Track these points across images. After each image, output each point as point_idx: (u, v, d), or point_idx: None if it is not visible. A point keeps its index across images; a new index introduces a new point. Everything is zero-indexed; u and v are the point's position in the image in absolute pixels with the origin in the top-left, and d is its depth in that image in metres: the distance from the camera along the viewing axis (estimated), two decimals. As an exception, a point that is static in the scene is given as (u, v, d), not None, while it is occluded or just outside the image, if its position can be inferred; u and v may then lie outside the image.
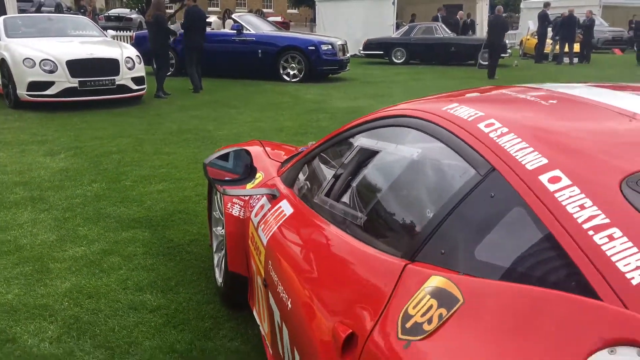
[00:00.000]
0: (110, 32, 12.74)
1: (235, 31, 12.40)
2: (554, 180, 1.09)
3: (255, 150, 2.67)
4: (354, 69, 14.43)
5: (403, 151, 1.59)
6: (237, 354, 2.36)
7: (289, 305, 1.60)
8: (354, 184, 1.68)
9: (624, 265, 0.89)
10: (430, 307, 1.09)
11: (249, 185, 2.31)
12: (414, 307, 1.12)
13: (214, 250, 2.95)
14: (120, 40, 13.76)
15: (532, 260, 1.05)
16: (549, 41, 19.20)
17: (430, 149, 1.49)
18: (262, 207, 2.16)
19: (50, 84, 8.07)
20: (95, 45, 8.86)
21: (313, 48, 12.24)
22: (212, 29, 13.06)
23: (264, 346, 2.07)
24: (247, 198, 2.39)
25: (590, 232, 0.96)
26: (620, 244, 0.93)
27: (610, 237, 0.94)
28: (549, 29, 18.80)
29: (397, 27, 20.47)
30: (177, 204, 4.23)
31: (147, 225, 3.80)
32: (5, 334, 2.47)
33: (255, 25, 12.94)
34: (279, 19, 37.29)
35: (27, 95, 8.08)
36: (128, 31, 19.19)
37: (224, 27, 13.51)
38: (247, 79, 12.16)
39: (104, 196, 4.41)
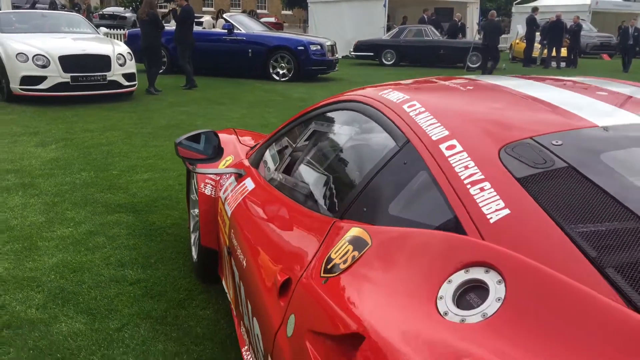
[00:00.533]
0: (103, 29, 12.90)
1: (226, 31, 12.62)
2: (450, 147, 1.34)
3: (228, 137, 2.91)
4: (344, 69, 14.69)
5: (344, 130, 1.84)
6: (207, 321, 2.59)
7: (244, 265, 1.84)
8: (303, 160, 1.93)
9: (487, 209, 1.14)
10: (347, 251, 1.33)
11: (221, 166, 2.55)
12: (335, 253, 1.36)
13: (191, 230, 3.19)
14: (114, 38, 13.95)
15: (426, 210, 1.30)
16: (537, 45, 19.53)
17: (366, 127, 1.74)
18: (230, 185, 2.40)
19: (42, 78, 8.26)
20: (88, 42, 9.06)
21: (302, 48, 12.48)
22: (204, 28, 13.29)
23: (230, 310, 2.30)
24: (218, 179, 2.63)
25: (468, 186, 1.21)
26: (488, 193, 1.17)
27: (482, 189, 1.18)
28: (537, 34, 19.13)
29: (388, 29, 20.76)
30: (160, 192, 4.46)
31: (131, 210, 4.03)
32: (-6, 302, 2.69)
33: (246, 25, 13.17)
34: (272, 19, 37.58)
35: (20, 89, 8.27)
36: (122, 29, 19.34)
37: (216, 27, 13.73)
38: (237, 78, 12.38)
39: (92, 184, 4.63)
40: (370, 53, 18.67)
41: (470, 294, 1.01)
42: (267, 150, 2.34)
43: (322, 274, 1.34)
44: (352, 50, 19.15)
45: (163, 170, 5.08)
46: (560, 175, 1.16)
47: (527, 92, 1.64)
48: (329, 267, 1.34)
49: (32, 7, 18.09)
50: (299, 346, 1.23)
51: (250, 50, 12.58)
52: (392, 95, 1.70)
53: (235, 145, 2.79)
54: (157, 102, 9.10)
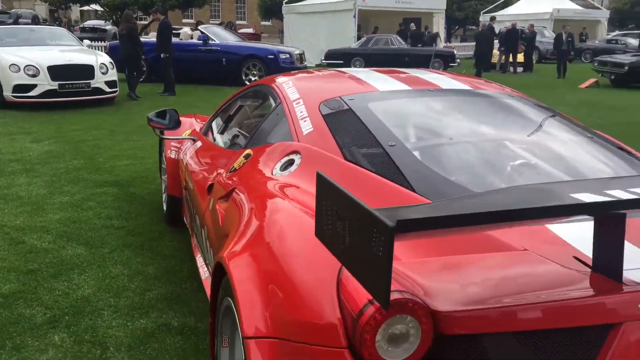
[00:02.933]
0: (86, 41, 13.89)
1: (201, 41, 13.67)
2: (298, 103, 2.40)
3: (188, 118, 3.98)
4: (312, 76, 15.77)
5: (253, 101, 2.90)
6: (172, 248, 3.61)
7: (192, 187, 2.88)
8: (229, 121, 2.99)
9: (304, 129, 2.19)
10: (241, 161, 2.38)
11: (185, 134, 3.61)
12: (235, 163, 2.41)
13: (163, 191, 4.21)
14: (96, 50, 14.92)
15: (282, 134, 2.35)
16: (496, 52, 20.86)
17: (264, 97, 2.81)
18: (187, 148, 3.44)
19: (33, 86, 9.23)
20: (73, 53, 10.05)
21: (272, 57, 13.56)
22: (181, 39, 14.32)
23: (191, 238, 3.33)
24: (179, 146, 3.67)
25: (299, 120, 2.26)
26: (306, 122, 2.23)
27: (304, 120, 2.24)
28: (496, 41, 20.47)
29: (358, 38, 21.97)
30: (139, 172, 5.47)
31: (116, 185, 5.04)
32: (17, 240, 3.69)
33: (220, 36, 14.23)
34: (251, 30, 38.69)
35: (13, 96, 9.21)
36: (103, 41, 20.26)
37: (193, 38, 14.76)
38: (212, 85, 13.40)
39: (82, 168, 5.62)
40: (340, 61, 19.81)
41: (287, 164, 2.06)
42: (211, 122, 3.39)
43: (225, 174, 2.39)
44: (323, 58, 20.29)
45: (142, 158, 6.09)
46: (344, 113, 2.22)
47: (357, 76, 2.71)
48: (230, 170, 2.39)
49: (15, 22, 18.95)
50: (213, 209, 2.28)
51: (224, 59, 13.63)
52: (280, 79, 2.77)
53: (193, 123, 3.84)
54: (137, 106, 10.09)
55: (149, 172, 5.48)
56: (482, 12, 31.18)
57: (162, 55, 11.61)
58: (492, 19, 21.11)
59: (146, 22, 25.39)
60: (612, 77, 15.02)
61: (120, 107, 9.97)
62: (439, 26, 24.41)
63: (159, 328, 2.66)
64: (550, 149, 2.12)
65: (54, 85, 9.32)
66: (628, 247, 1.38)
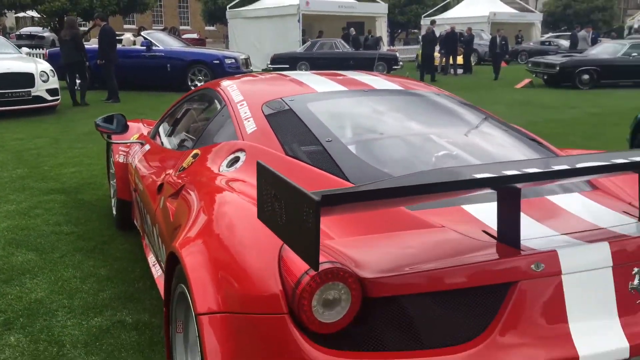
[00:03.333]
0: (25, 49, 13.54)
1: (145, 47, 13.57)
2: (242, 105, 2.56)
3: (136, 123, 4.06)
4: (259, 80, 15.88)
5: (200, 105, 3.04)
6: (124, 250, 3.68)
7: (141, 189, 2.99)
8: (176, 123, 3.11)
9: (247, 128, 2.35)
10: (189, 160, 2.51)
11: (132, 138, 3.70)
12: (184, 163, 2.54)
13: (112, 196, 4.27)
14: (35, 57, 14.55)
15: (227, 134, 2.50)
16: (437, 55, 21.56)
17: (210, 100, 2.94)
18: (135, 152, 3.54)
19: (-31, 95, 8.96)
20: (12, 61, 9.81)
21: (218, 62, 13.61)
22: (123, 46, 14.15)
23: (142, 239, 3.42)
24: (128, 150, 3.75)
25: (244, 121, 2.42)
26: (250, 123, 2.39)
27: (248, 121, 2.40)
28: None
29: (303, 42, 22.22)
30: (87, 179, 5.47)
31: (63, 192, 5.03)
32: (-37, 249, 3.68)
33: (164, 42, 14.16)
34: (195, 36, 38.35)
35: (-52, 106, 8.92)
36: (40, 49, 19.70)
37: (136, 44, 14.61)
38: (157, 91, 13.32)
39: (27, 176, 5.57)
40: (286, 65, 19.99)
41: (233, 161, 2.22)
42: (159, 126, 3.50)
43: (175, 174, 2.52)
44: (269, 62, 20.43)
45: (88, 165, 6.08)
46: (285, 113, 2.40)
47: (297, 78, 2.89)
48: (179, 169, 2.52)
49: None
50: (164, 206, 2.41)
51: (168, 65, 13.57)
52: (224, 82, 2.92)
53: (140, 128, 3.93)
54: (80, 113, 9.96)
55: (96, 179, 5.49)
56: (423, 16, 32.06)
57: (98, 62, 11.53)
58: (432, 22, 21.77)
59: (86, 29, 24.84)
60: (545, 77, 15.81)
61: (62, 115, 9.81)
62: (381, 30, 24.98)
63: (113, 325, 2.75)
64: (470, 141, 2.36)
65: (-8, 94, 9.09)
66: (527, 220, 1.62)
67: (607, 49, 15.93)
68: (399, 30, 37.58)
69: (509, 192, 1.44)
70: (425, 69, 18.58)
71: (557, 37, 31.10)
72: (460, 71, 20.83)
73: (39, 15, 23.68)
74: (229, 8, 24.73)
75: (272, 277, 1.40)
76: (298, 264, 1.35)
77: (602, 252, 1.47)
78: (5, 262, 3.46)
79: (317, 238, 1.09)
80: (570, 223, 1.69)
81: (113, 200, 4.22)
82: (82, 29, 22.94)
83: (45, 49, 18.86)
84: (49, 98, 9.82)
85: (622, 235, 1.56)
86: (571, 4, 40.93)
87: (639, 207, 1.74)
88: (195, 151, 2.57)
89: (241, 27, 23.65)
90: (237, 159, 2.22)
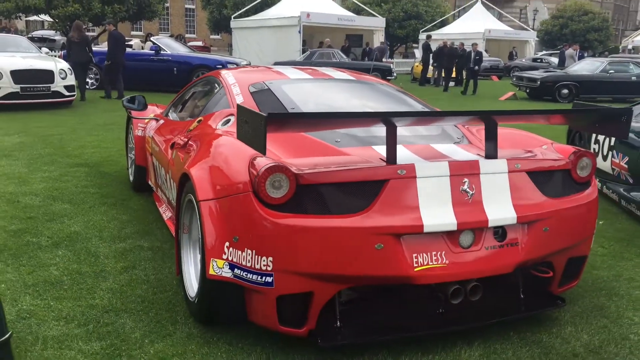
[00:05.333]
0: (44, 49, 14.61)
1: (153, 51, 14.62)
2: (234, 85, 3.53)
3: (152, 107, 5.04)
4: (259, 86, 16.92)
5: (204, 88, 4.02)
6: (140, 204, 4.63)
7: (157, 150, 3.96)
8: (185, 105, 4.10)
9: (237, 100, 3.32)
10: (194, 125, 3.48)
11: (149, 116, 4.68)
12: (189, 130, 3.51)
13: (129, 166, 5.24)
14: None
15: (223, 104, 3.46)
16: (431, 68, 22.61)
17: (212, 85, 3.92)
18: (151, 126, 4.51)
19: (-4, 89, 9.98)
20: (34, 59, 10.83)
21: (220, 67, 14.62)
22: (134, 49, 15.21)
23: (155, 198, 4.39)
24: (145, 126, 4.72)
25: (235, 97, 3.39)
26: (240, 97, 3.36)
27: (238, 96, 3.38)
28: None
29: (303, 52, 23.31)
30: (106, 158, 6.45)
31: (86, 166, 6.00)
32: (13, 200, 4.63)
33: (172, 47, 15.22)
34: (200, 43, 39.53)
35: (-24, 97, 9.92)
36: (53, 51, 20.78)
37: (144, 49, 15.66)
38: (165, 92, 14.31)
39: (54, 154, 6.54)
40: (285, 73, 21.05)
41: (226, 122, 3.18)
42: (170, 107, 4.49)
43: (184, 134, 3.49)
44: (270, 70, 21.48)
45: (106, 148, 7.05)
46: (265, 91, 3.37)
47: (278, 69, 3.87)
48: (187, 131, 3.49)
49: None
50: (175, 156, 3.37)
51: (175, 69, 14.61)
52: (223, 71, 3.89)
53: (155, 110, 4.91)
54: (93, 108, 10.96)
55: (114, 158, 6.46)
56: (421, 30, 33.18)
57: (105, 63, 12.84)
58: (428, 37, 22.89)
59: (95, 34, 25.93)
60: (528, 91, 16.84)
61: (77, 109, 10.82)
62: (379, 42, 26.07)
63: (134, 248, 3.70)
64: (383, 107, 3.35)
65: (17, 88, 10.09)
66: (406, 151, 2.60)
67: (586, 66, 16.96)
68: (398, 44, 38.71)
69: (391, 128, 2.41)
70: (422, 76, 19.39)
71: (550, 55, 32.20)
72: (452, 84, 21.83)
73: (49, 19, 24.80)
74: (234, 18, 25.88)
75: (244, 173, 2.36)
76: (259, 164, 2.30)
77: (443, 167, 2.43)
78: (47, 210, 4.42)
79: (265, 138, 2.05)
80: (432, 154, 2.67)
81: (130, 170, 5.18)
82: (91, 33, 24.09)
83: (57, 50, 19.94)
84: (67, 93, 10.82)
85: (460, 160, 2.54)
86: (568, 23, 42.04)
87: (485, 149, 2.71)
88: (199, 118, 3.54)
89: (245, 36, 24.76)
90: (229, 120, 3.19)
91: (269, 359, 2.45)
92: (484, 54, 29.45)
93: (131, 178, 5.10)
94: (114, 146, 7.12)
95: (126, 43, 13.72)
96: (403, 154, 2.57)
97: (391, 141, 2.45)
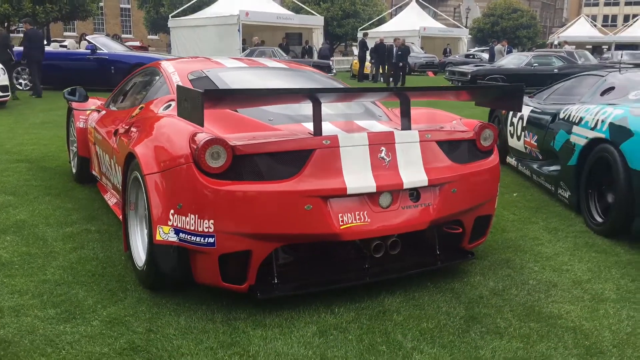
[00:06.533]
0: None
1: (89, 51, 14.43)
2: (174, 74, 3.76)
3: (93, 100, 5.17)
4: (199, 84, 16.96)
5: (144, 78, 4.22)
6: (84, 194, 4.77)
7: (100, 138, 4.14)
8: (125, 95, 4.29)
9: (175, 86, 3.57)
10: (135, 112, 3.70)
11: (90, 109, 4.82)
12: (131, 116, 3.72)
13: (71, 159, 5.34)
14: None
15: (163, 92, 3.69)
16: (368, 64, 23.23)
17: (152, 75, 4.13)
18: (93, 117, 4.66)
19: None
20: (-37, 59, 10.54)
21: (160, 65, 14.61)
22: (68, 49, 14.96)
23: (99, 188, 4.54)
24: (86, 118, 4.86)
25: (174, 84, 3.63)
26: (178, 83, 3.60)
27: (185, 83, 3.61)
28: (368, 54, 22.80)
29: (243, 50, 23.42)
30: (45, 154, 6.48)
31: (27, 161, 6.04)
32: (-47, 194, 4.67)
33: (109, 46, 15.05)
34: (137, 44, 38.81)
35: None
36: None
37: (80, 48, 15.42)
38: (102, 91, 14.13)
39: (-8, 152, 6.52)
40: (226, 72, 21.13)
41: (167, 107, 3.42)
42: (111, 98, 4.65)
43: (126, 121, 3.69)
44: (209, 69, 21.49)
45: (45, 145, 7.06)
46: (203, 79, 3.62)
47: (216, 59, 4.12)
48: (129, 117, 3.70)
49: None
50: (119, 142, 3.58)
51: (112, 67, 14.47)
52: (162, 62, 4.11)
53: (95, 102, 5.05)
54: (29, 108, 10.79)
55: (54, 154, 6.50)
56: (359, 29, 33.87)
57: (20, 61, 12.96)
58: (365, 35, 23.47)
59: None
60: (460, 84, 17.66)
61: (12, 109, 10.62)
62: (318, 40, 26.49)
63: (82, 231, 3.87)
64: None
65: (-54, 89, 9.82)
66: (331, 126, 2.93)
67: (513, 60, 17.96)
68: (338, 43, 39.32)
69: (316, 104, 2.73)
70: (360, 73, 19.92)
71: (482, 51, 33.58)
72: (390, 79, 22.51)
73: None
74: (172, 17, 25.65)
75: (185, 147, 2.62)
76: (199, 138, 2.57)
77: (363, 137, 2.77)
78: (-10, 201, 4.50)
79: (202, 112, 2.32)
80: (354, 127, 3.02)
81: (72, 162, 5.29)
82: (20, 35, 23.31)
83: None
84: (0, 94, 10.59)
85: (378, 131, 2.89)
86: (498, 21, 43.87)
87: (400, 122, 3.07)
88: (141, 105, 3.75)
89: (184, 36, 24.60)
90: (169, 105, 3.42)
91: (213, 313, 2.72)
92: (420, 50, 30.63)
93: (74, 170, 5.21)
94: (53, 143, 7.14)
95: (44, 41, 13.78)
96: (328, 128, 2.90)
97: (317, 116, 2.77)
